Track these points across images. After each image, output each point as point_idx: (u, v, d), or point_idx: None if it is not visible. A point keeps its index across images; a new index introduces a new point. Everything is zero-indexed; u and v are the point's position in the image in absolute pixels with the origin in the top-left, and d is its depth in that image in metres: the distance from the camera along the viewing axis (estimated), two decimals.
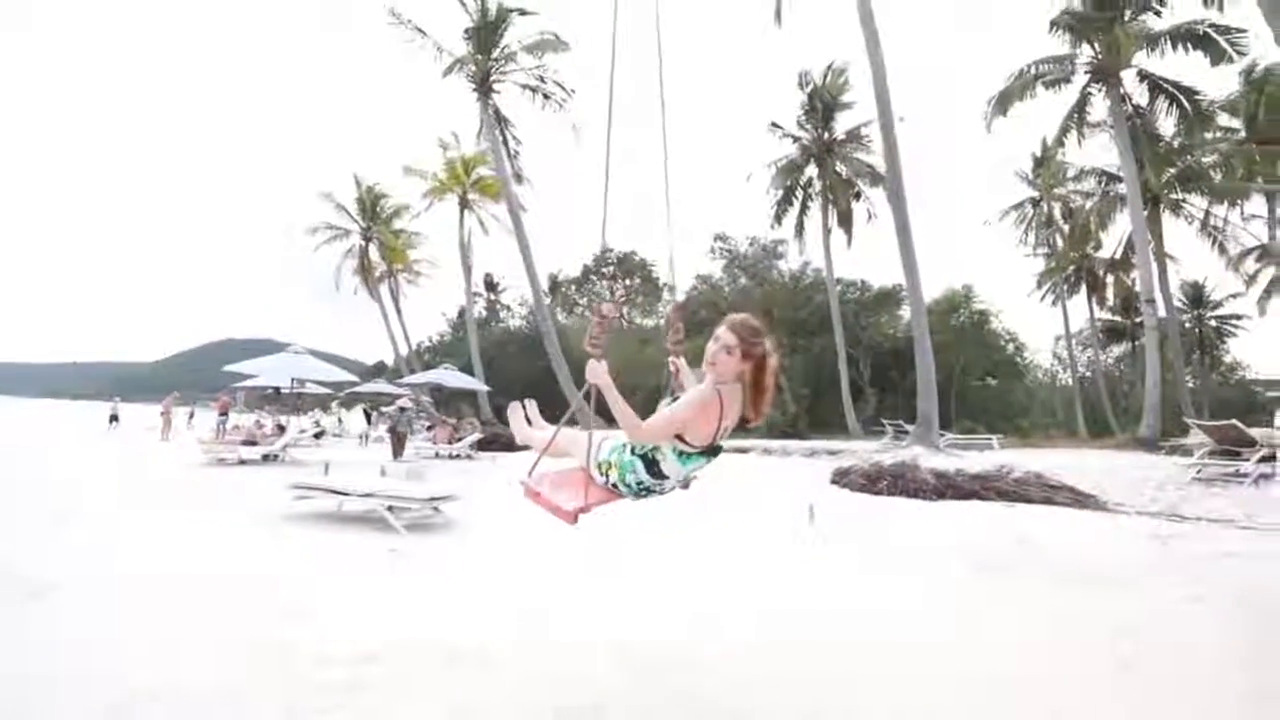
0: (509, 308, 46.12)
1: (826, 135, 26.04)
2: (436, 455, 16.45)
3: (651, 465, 2.45)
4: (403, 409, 15.82)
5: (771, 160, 26.53)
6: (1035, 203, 30.28)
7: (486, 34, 19.04)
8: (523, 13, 19.27)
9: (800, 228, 26.56)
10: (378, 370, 41.61)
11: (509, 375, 27.23)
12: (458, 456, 16.44)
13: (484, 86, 19.26)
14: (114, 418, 22.04)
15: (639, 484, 2.49)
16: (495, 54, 19.42)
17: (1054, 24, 17.75)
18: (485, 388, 19.01)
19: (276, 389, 21.59)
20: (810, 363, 31.05)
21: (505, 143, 20.06)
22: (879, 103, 14.19)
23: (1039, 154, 28.46)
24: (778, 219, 26.83)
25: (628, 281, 36.50)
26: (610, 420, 2.42)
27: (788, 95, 27.33)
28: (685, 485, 2.72)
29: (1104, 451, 16.10)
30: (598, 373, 2.39)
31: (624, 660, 3.34)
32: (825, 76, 25.93)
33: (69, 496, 8.28)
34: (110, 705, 2.68)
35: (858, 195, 25.87)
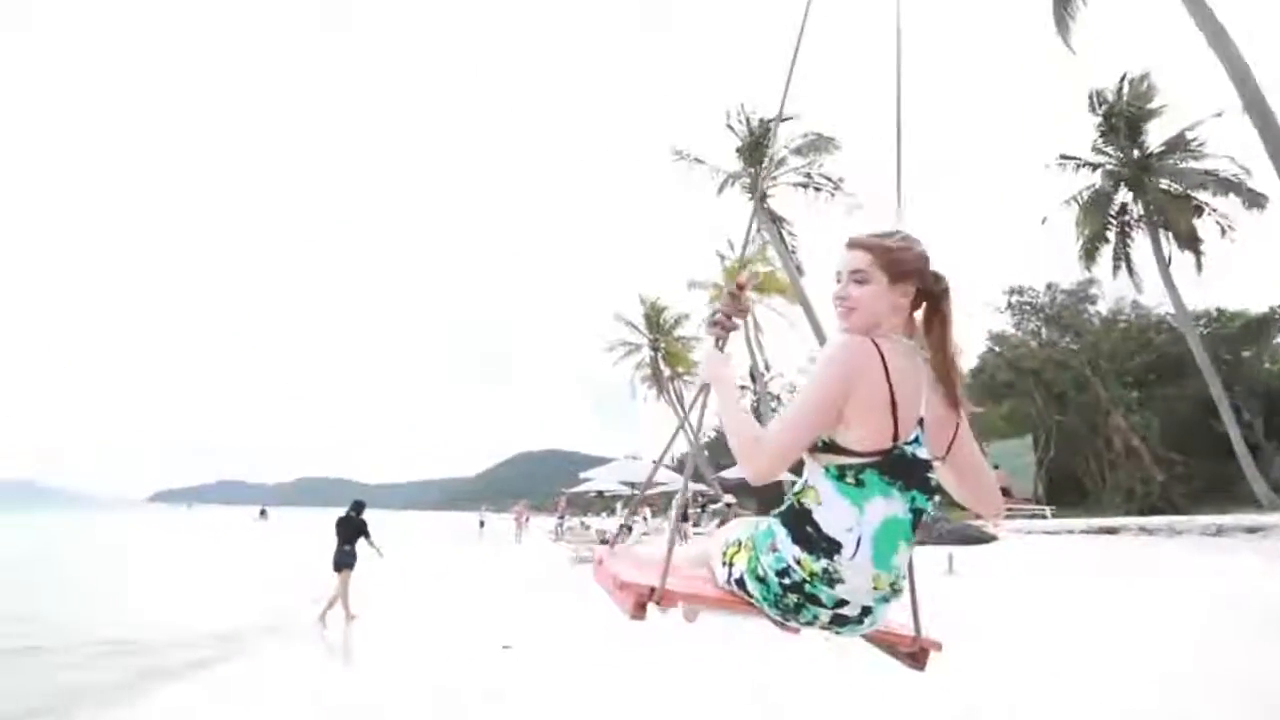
0: (778, 398, 46.54)
1: (1138, 152, 22.52)
2: None
3: (801, 523, 1.36)
4: (729, 504, 16.62)
5: (1068, 196, 23.63)
6: None
7: (756, 148, 20.93)
8: (784, 119, 20.84)
9: (1125, 262, 22.78)
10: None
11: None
12: None
13: (758, 194, 20.96)
14: (482, 523, 26.84)
15: (780, 574, 1.36)
16: (765, 163, 21.11)
17: None
18: (791, 477, 19.06)
19: (600, 492, 24.40)
20: (1165, 418, 25.38)
21: (783, 240, 21.27)
22: (1247, 100, 11.99)
23: None
24: (1089, 256, 23.40)
25: None
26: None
27: (1069, 126, 24.45)
28: (914, 658, 1.61)
29: None
30: (714, 363, 1.53)
31: None
32: (1121, 89, 22.82)
33: (509, 589, 10.15)
34: None
35: (1199, 210, 21.51)
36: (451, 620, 7.69)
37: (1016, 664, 4.80)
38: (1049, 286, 30.73)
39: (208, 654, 6.13)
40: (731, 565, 1.48)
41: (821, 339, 20.71)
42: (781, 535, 1.38)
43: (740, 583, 1.45)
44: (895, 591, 1.43)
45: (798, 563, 1.35)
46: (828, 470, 1.35)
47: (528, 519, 33.78)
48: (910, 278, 1.41)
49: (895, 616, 1.55)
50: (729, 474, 18.86)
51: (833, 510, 1.34)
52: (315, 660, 6.24)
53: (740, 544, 1.48)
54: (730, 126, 21.39)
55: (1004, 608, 6.94)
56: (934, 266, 1.46)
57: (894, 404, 1.31)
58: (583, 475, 17.50)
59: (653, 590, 1.41)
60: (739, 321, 1.58)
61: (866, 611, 1.40)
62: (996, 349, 31.42)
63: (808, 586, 1.35)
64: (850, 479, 1.34)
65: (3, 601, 9.73)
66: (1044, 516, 19.67)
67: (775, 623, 1.50)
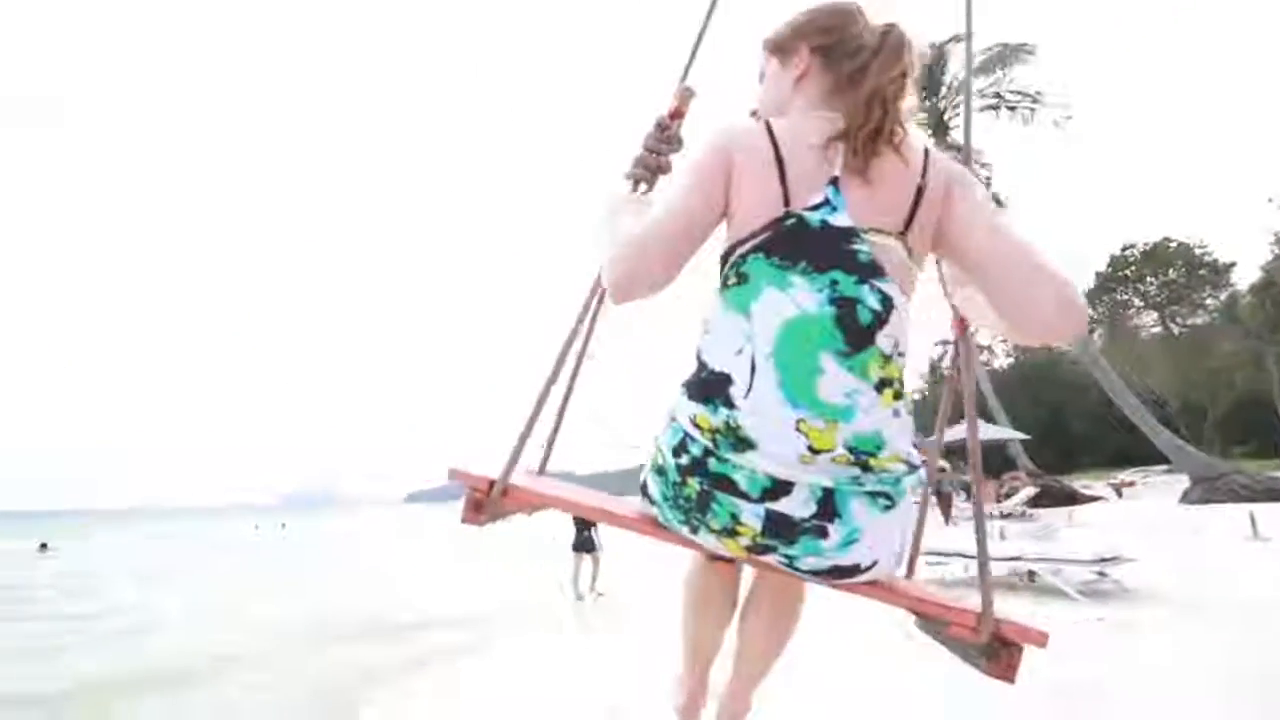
0: (989, 348, 41.72)
1: None
2: (988, 516, 15.20)
3: (697, 371, 0.98)
4: (942, 470, 15.23)
5: None
6: None
7: (931, 78, 18.79)
8: (958, 39, 18.44)
9: None
10: None
11: (1012, 421, 23.91)
12: (1010, 515, 14.83)
13: (940, 127, 18.76)
14: None
15: (676, 452, 0.97)
16: (943, 91, 18.86)
17: None
18: (1022, 435, 16.91)
19: None
20: None
21: (974, 173, 18.80)
22: None
23: None
24: None
25: (1161, 276, 28.69)
26: None
27: None
28: (993, 659, 1.00)
29: None
30: (617, 204, 1.13)
31: None
32: None
33: None
34: None
35: None
36: (669, 602, 7.91)
37: None
38: None
39: (479, 633, 6.92)
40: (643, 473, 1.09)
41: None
42: (678, 397, 1.00)
43: (645, 488, 1.06)
44: (872, 469, 0.91)
45: (694, 423, 0.95)
46: (717, 288, 1.00)
47: None
48: (800, 40, 1.08)
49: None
50: (931, 441, 17.05)
51: (719, 332, 0.97)
52: (568, 640, 6.79)
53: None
54: None
55: None
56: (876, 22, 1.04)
57: (780, 161, 0.95)
58: None
59: (492, 484, 1.05)
60: (671, 161, 1.20)
61: (827, 509, 0.91)
62: None
63: (713, 462, 0.93)
64: (733, 279, 0.96)
65: (334, 590, 12.01)
66: None
67: (699, 550, 1.04)
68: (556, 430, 1.36)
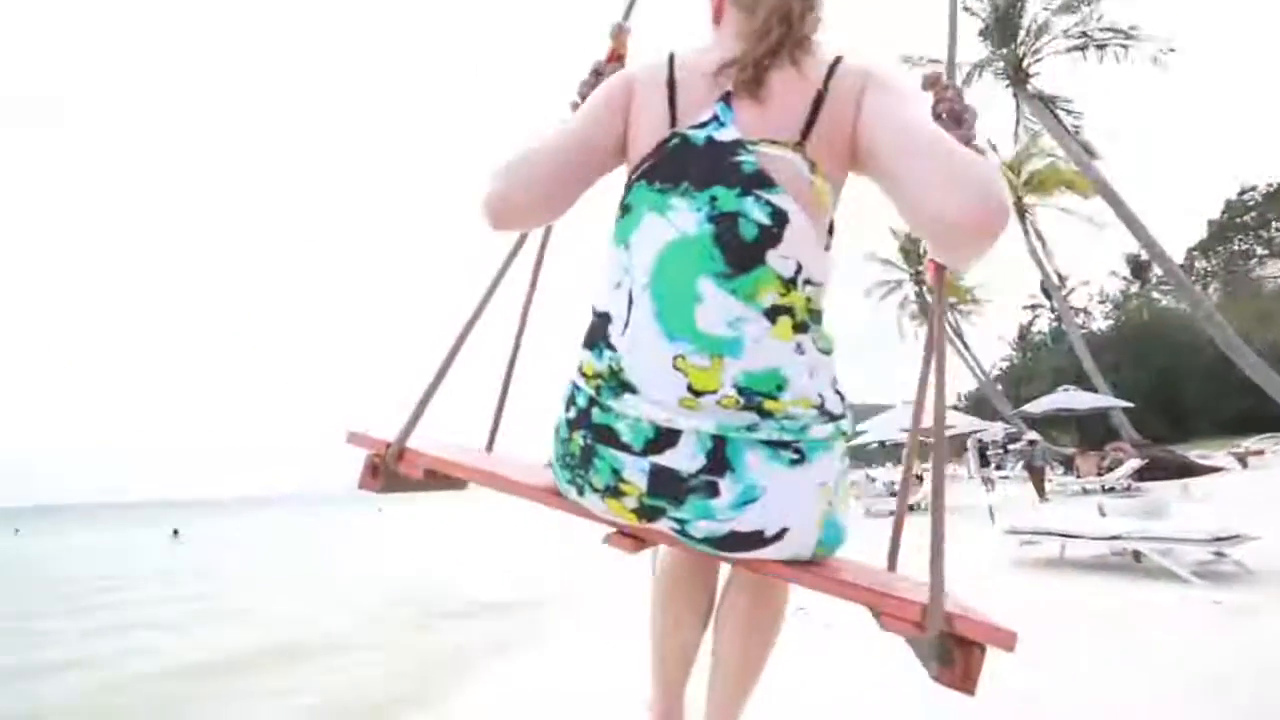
0: (1085, 310, 38.71)
1: None
2: (1084, 491, 14.21)
3: (590, 324, 0.91)
4: (1032, 442, 14.35)
5: None
6: None
7: (1006, 22, 17.45)
8: None
9: None
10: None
11: (1113, 388, 22.15)
12: (1113, 489, 13.81)
13: (1018, 76, 17.46)
14: None
15: (567, 406, 0.92)
16: (1021, 36, 17.51)
17: None
18: (1124, 403, 15.63)
19: (882, 443, 23.06)
20: None
21: (1060, 123, 17.39)
22: None
23: None
24: None
25: None
26: None
27: None
28: (946, 663, 0.81)
29: None
30: None
31: None
32: None
33: None
34: None
35: None
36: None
37: None
38: None
39: (533, 617, 7.15)
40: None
41: (1135, 223, 16.53)
42: (577, 361, 0.93)
43: (550, 458, 0.99)
44: (770, 414, 0.81)
45: (580, 371, 0.90)
46: (618, 220, 0.94)
47: None
48: None
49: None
50: (1031, 408, 16.08)
51: (604, 270, 0.92)
52: (621, 627, 6.89)
53: None
54: (968, 8, 18.16)
55: None
56: None
57: (672, 84, 0.92)
58: (859, 427, 16.74)
59: (388, 446, 1.01)
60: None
61: (717, 462, 0.80)
62: None
63: (596, 412, 0.86)
64: (619, 213, 0.92)
65: (408, 571, 12.70)
66: None
67: (588, 517, 0.94)
68: (502, 405, 1.32)
